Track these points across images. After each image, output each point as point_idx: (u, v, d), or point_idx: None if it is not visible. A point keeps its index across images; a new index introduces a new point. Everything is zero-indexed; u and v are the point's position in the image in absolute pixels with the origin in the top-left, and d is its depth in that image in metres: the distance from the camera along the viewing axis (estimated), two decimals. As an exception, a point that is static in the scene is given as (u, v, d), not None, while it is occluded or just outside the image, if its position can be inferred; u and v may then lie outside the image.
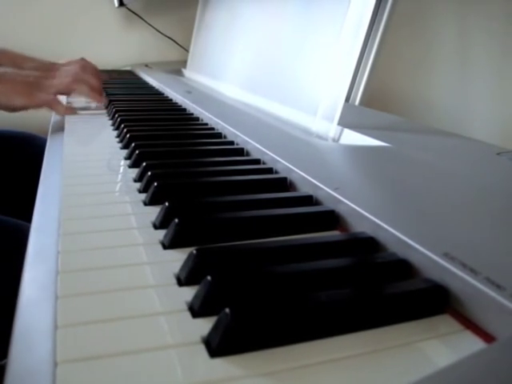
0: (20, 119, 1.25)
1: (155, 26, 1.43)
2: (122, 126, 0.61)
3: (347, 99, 0.73)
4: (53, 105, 0.73)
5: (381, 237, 0.30)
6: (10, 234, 0.61)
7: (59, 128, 0.67)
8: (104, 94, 0.83)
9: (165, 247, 0.31)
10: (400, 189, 0.36)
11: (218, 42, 0.96)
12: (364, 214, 0.31)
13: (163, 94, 0.95)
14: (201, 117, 0.70)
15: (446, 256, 0.25)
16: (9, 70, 0.73)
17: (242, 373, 0.20)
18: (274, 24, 0.74)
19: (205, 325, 0.23)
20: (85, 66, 0.81)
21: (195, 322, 0.23)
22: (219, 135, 0.60)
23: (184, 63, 1.20)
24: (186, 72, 1.17)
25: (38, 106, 0.71)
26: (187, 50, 1.21)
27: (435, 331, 0.23)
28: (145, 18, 1.42)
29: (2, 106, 0.69)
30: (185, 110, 0.78)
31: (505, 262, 0.25)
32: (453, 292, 0.24)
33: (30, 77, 0.72)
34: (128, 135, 0.56)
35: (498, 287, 0.22)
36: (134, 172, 0.46)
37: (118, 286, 0.26)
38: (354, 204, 0.33)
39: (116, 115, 0.68)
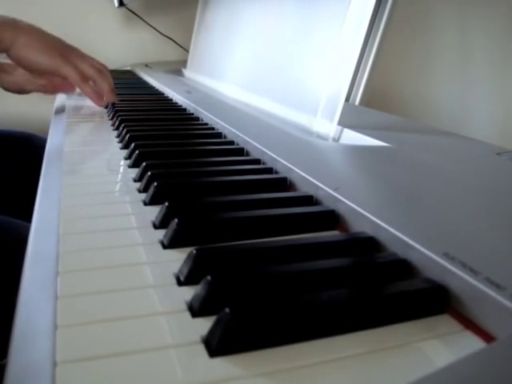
0: (20, 119, 1.25)
1: (155, 26, 1.43)
2: (122, 125, 0.61)
3: (347, 99, 0.73)
4: (80, 83, 0.65)
5: (381, 237, 0.30)
6: (10, 233, 0.61)
7: (59, 128, 0.67)
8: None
9: (164, 247, 0.31)
10: (400, 189, 0.36)
11: (218, 41, 0.96)
12: (364, 213, 0.31)
13: (163, 93, 0.95)
14: (201, 117, 0.70)
15: (446, 256, 0.25)
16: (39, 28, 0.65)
17: (241, 372, 0.20)
18: (274, 24, 0.74)
19: (204, 324, 0.23)
20: (106, 68, 0.78)
21: (195, 322, 0.23)
22: (219, 135, 0.60)
23: (184, 63, 1.20)
24: (186, 72, 1.17)
25: (62, 73, 0.64)
26: (187, 50, 1.21)
27: (435, 331, 0.23)
28: (145, 18, 1.42)
29: (20, 60, 0.61)
30: (185, 109, 0.78)
31: (505, 262, 0.25)
32: (453, 292, 0.24)
33: (61, 42, 0.65)
34: (128, 135, 0.56)
35: (497, 287, 0.22)
36: (134, 172, 0.46)
37: (118, 285, 0.26)
38: (354, 204, 0.33)
39: (116, 115, 0.68)
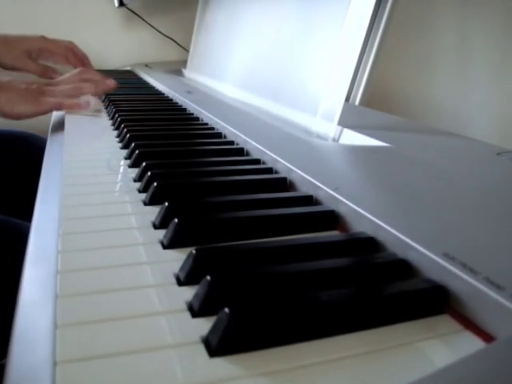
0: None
1: (155, 26, 1.43)
2: (122, 125, 0.61)
3: (347, 99, 0.73)
4: (63, 105, 0.72)
5: (381, 237, 0.30)
6: (10, 233, 0.61)
7: (59, 128, 0.67)
8: (111, 80, 0.82)
9: (164, 247, 0.31)
10: (400, 189, 0.36)
11: (218, 41, 0.96)
12: (364, 214, 0.31)
13: (163, 93, 0.95)
14: (201, 117, 0.70)
15: (446, 256, 0.25)
16: (12, 78, 0.73)
17: (241, 372, 0.20)
18: (274, 24, 0.74)
19: (204, 324, 0.23)
20: (82, 71, 0.81)
21: (195, 322, 0.23)
22: (219, 135, 0.60)
23: (184, 63, 1.20)
24: (186, 72, 1.17)
25: (46, 111, 0.71)
26: (187, 50, 1.21)
27: (435, 331, 0.23)
28: (145, 18, 1.42)
29: (7, 115, 0.69)
30: (185, 109, 0.78)
31: (505, 262, 0.25)
32: (452, 292, 0.24)
33: (34, 84, 0.72)
34: (128, 135, 0.56)
35: (497, 287, 0.22)
36: (134, 172, 0.46)
37: (118, 285, 0.26)
38: (354, 204, 0.33)
39: (116, 115, 0.68)
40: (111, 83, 0.80)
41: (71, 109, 0.74)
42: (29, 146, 0.93)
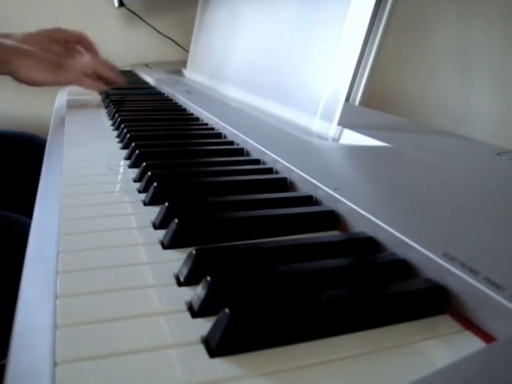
0: (20, 119, 1.25)
1: (155, 26, 1.43)
2: (122, 126, 0.61)
3: (347, 99, 0.73)
4: (80, 82, 0.77)
5: (380, 237, 0.30)
6: (13, 229, 0.61)
7: (59, 128, 0.67)
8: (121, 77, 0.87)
9: (164, 247, 0.31)
10: (400, 189, 0.36)
11: (218, 41, 0.96)
12: (364, 214, 0.31)
13: (163, 93, 0.95)
14: (201, 117, 0.70)
15: (446, 256, 0.25)
16: (35, 48, 0.76)
17: (241, 373, 0.20)
18: (274, 24, 0.74)
19: (204, 325, 0.23)
20: (100, 63, 0.85)
21: (195, 322, 0.23)
22: (219, 135, 0.60)
23: (184, 63, 1.20)
24: (186, 72, 1.17)
25: (62, 83, 0.76)
26: (187, 50, 1.21)
27: (435, 331, 0.23)
28: (145, 19, 1.42)
29: (25, 80, 0.73)
30: (185, 110, 0.78)
31: (505, 262, 0.25)
32: (452, 292, 0.24)
33: (55, 56, 0.76)
34: (128, 135, 0.56)
35: (497, 287, 0.22)
36: (134, 172, 0.46)
37: (118, 285, 0.26)
38: (354, 204, 0.33)
39: (116, 115, 0.68)
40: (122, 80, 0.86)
41: (89, 88, 0.79)
42: (29, 145, 0.94)
